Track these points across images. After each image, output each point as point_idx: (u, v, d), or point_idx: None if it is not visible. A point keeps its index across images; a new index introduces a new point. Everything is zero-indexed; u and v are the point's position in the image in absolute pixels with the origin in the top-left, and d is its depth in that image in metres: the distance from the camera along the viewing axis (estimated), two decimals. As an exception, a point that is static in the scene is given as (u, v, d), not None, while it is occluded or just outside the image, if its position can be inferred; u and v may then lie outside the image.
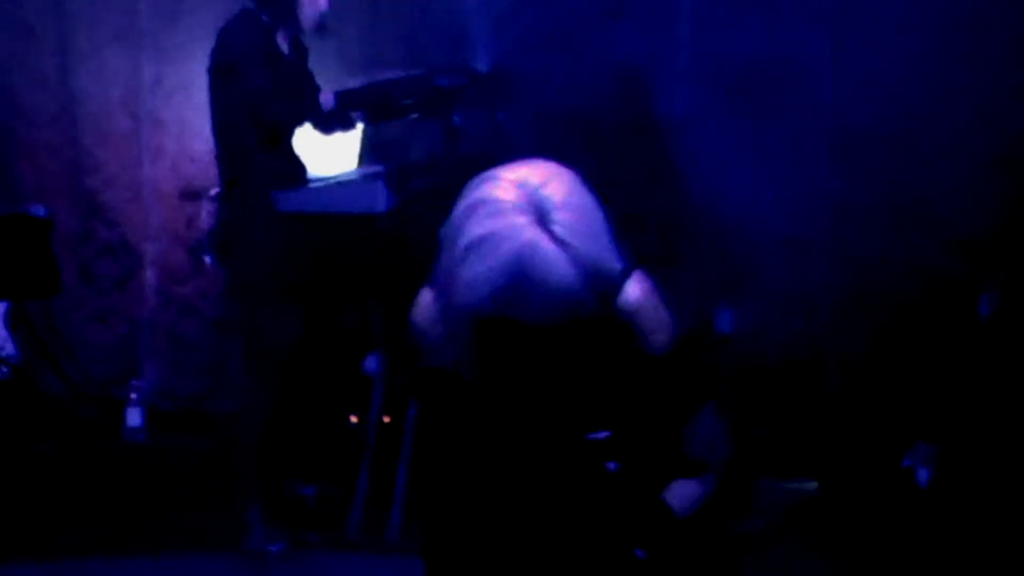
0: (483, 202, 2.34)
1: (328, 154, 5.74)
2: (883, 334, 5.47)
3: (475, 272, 2.31)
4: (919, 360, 5.30)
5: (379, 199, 5.20)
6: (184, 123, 6.45)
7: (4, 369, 5.87)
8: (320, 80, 5.38)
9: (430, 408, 2.55)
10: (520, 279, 2.28)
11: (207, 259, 6.05)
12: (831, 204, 5.61)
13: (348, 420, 5.78)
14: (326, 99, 5.32)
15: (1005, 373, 4.94)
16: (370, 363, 5.52)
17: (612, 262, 2.38)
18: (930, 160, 5.46)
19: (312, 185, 5.29)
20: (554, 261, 2.28)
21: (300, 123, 5.20)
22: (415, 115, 5.66)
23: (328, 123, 5.38)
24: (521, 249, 2.28)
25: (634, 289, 2.47)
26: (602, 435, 2.35)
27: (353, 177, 5.60)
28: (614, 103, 5.63)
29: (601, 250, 2.35)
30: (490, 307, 2.31)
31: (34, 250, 4.51)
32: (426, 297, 2.52)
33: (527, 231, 2.29)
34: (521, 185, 2.33)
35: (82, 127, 6.50)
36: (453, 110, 5.45)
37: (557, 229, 2.30)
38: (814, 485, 5.64)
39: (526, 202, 2.31)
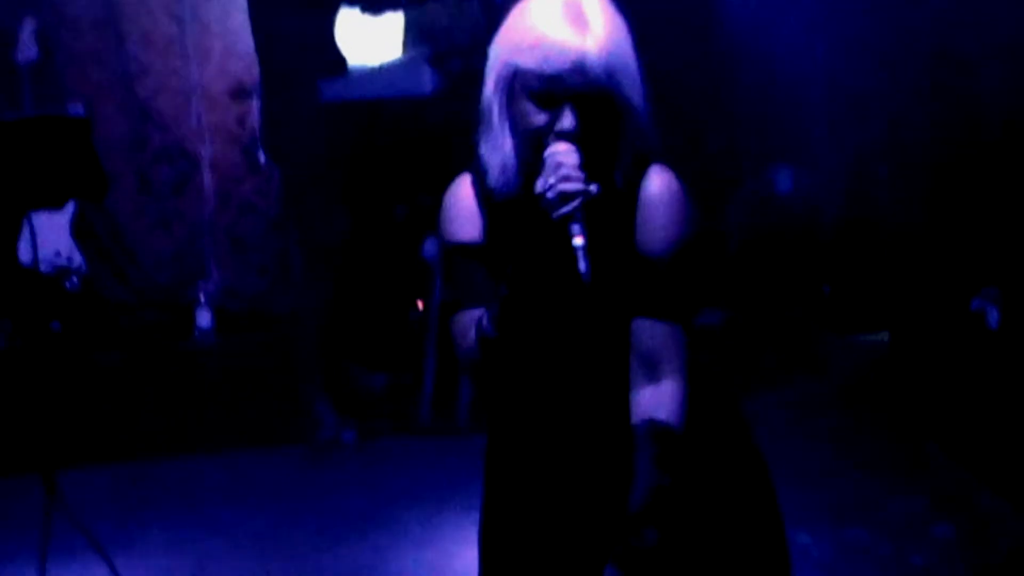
0: None
1: (370, 42, 5.68)
2: (939, 186, 5.38)
3: (506, 25, 2.40)
4: (977, 207, 5.21)
5: (425, 81, 5.17)
6: (227, 22, 6.40)
7: (74, 279, 5.91)
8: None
9: (459, 293, 2.55)
10: (544, 32, 2.33)
11: (261, 157, 6.05)
12: (881, 59, 5.48)
13: (413, 307, 5.77)
14: None
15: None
16: (428, 248, 5.50)
17: (635, 74, 2.38)
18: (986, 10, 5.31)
19: (356, 72, 5.25)
20: (579, 32, 2.33)
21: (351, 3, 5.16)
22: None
23: (377, 4, 5.32)
24: (551, 9, 2.35)
25: (654, 180, 2.44)
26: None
27: (398, 62, 5.56)
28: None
29: (626, 61, 2.37)
30: (520, 64, 2.35)
31: (77, 149, 4.48)
32: (462, 179, 2.52)
33: (561, 7, 2.36)
34: None
35: (127, 33, 6.48)
36: (492, -16, 5.36)
37: (592, 23, 2.35)
38: (886, 336, 5.60)
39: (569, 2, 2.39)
